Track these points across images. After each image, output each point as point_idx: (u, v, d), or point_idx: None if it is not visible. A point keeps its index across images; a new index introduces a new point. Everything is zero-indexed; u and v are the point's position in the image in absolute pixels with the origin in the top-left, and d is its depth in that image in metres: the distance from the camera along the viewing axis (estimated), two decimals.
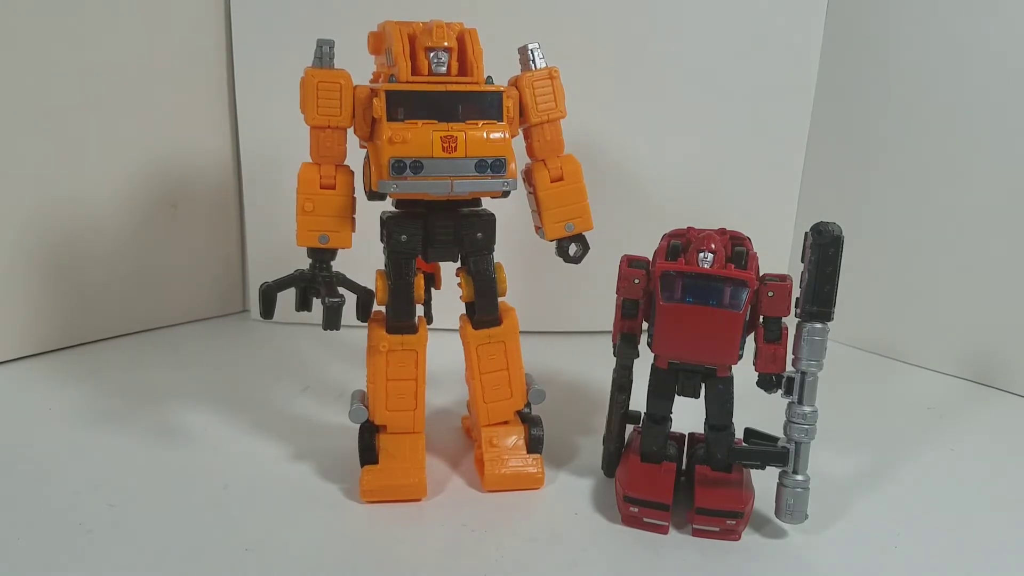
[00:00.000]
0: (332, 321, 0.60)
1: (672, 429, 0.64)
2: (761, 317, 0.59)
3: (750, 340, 0.61)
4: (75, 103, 0.89)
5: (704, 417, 0.62)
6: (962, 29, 0.89)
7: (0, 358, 0.89)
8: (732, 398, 0.61)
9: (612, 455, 0.66)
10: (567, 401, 0.83)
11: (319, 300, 0.62)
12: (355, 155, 0.64)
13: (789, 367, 0.59)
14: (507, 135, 0.60)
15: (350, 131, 0.62)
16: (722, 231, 0.61)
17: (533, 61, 0.63)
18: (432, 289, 0.72)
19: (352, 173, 0.62)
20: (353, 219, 0.63)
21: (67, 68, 0.88)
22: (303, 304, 0.63)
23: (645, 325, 0.62)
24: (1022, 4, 0.85)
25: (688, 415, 0.65)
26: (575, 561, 0.57)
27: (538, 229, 0.66)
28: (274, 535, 0.59)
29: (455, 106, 0.60)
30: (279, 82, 0.73)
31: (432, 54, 0.60)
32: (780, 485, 0.60)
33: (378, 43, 0.64)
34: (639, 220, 0.89)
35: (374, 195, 0.62)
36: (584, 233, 0.66)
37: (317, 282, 0.62)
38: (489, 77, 0.62)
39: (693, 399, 0.62)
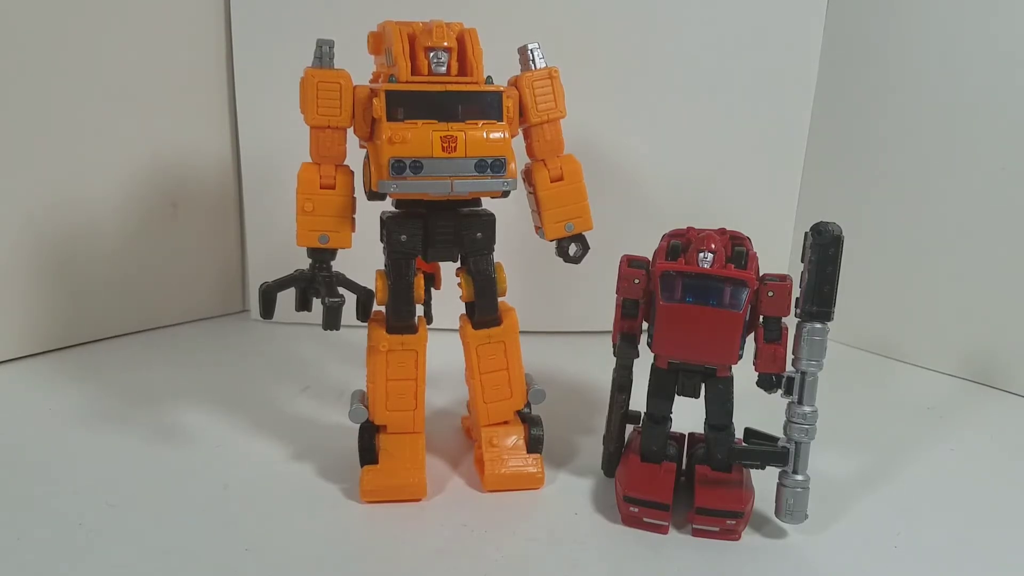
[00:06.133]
0: (332, 321, 0.60)
1: (672, 429, 0.64)
2: (761, 317, 0.59)
3: (750, 340, 0.61)
4: (75, 103, 0.89)
5: (704, 417, 0.62)
6: (962, 29, 0.89)
7: (0, 358, 0.89)
8: (732, 398, 0.61)
9: (612, 455, 0.66)
10: (567, 401, 0.83)
11: (319, 300, 0.62)
12: (355, 155, 0.64)
13: (789, 367, 0.59)
14: (507, 135, 0.60)
15: (350, 131, 0.62)
16: (722, 231, 0.61)
17: (533, 61, 0.63)
18: (432, 289, 0.72)
19: (352, 173, 0.62)
20: (353, 219, 0.63)
21: (67, 68, 0.88)
22: (303, 304, 0.63)
23: (645, 325, 0.62)
24: (1022, 4, 0.85)
25: (688, 415, 0.65)
26: (575, 561, 0.57)
27: (538, 229, 0.66)
28: (274, 535, 0.59)
29: (455, 106, 0.60)
30: (279, 82, 0.73)
31: (432, 54, 0.60)
32: (780, 485, 0.60)
33: (378, 43, 0.64)
34: (639, 220, 0.89)
35: (374, 195, 0.62)
36: (584, 233, 0.66)
37: (317, 282, 0.62)
38: (489, 77, 0.62)
39: (693, 399, 0.62)
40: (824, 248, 0.56)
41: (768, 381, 0.60)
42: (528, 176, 0.66)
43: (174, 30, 0.95)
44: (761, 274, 0.60)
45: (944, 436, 0.78)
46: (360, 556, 0.57)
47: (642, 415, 0.64)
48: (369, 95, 0.60)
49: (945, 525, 0.63)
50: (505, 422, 0.68)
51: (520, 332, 0.67)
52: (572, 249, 0.66)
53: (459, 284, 0.66)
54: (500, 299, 0.66)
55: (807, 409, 0.58)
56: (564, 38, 0.88)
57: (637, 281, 0.61)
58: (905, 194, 0.96)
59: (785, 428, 0.59)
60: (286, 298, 0.63)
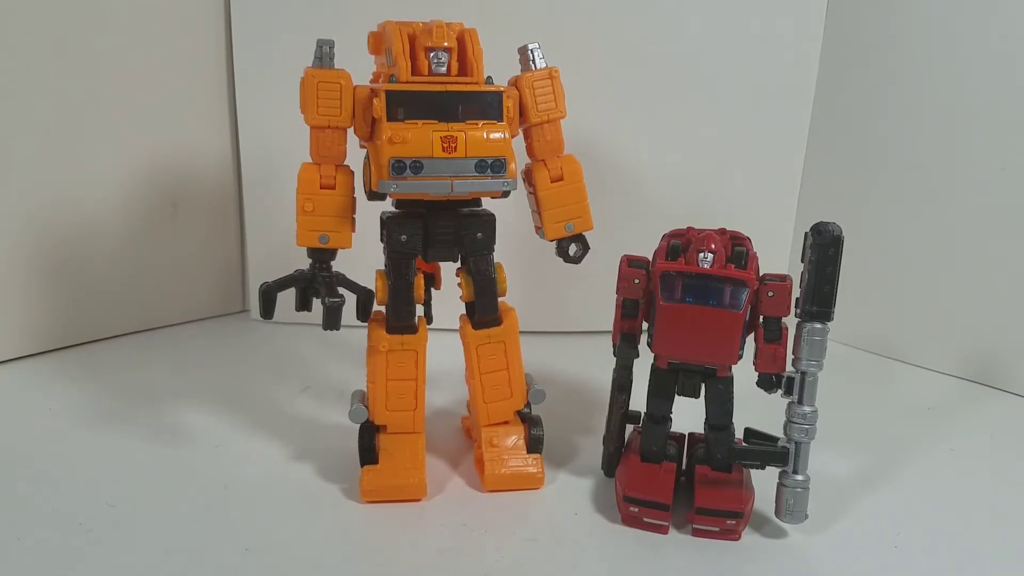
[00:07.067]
0: (332, 321, 0.60)
1: (672, 429, 0.64)
2: (761, 317, 0.59)
3: (750, 340, 0.61)
4: (75, 103, 0.89)
5: (704, 417, 0.62)
6: (962, 29, 0.89)
7: (0, 358, 0.89)
8: (732, 398, 0.61)
9: (612, 455, 0.66)
10: (567, 401, 0.83)
11: (319, 300, 0.62)
12: (355, 155, 0.64)
13: (789, 367, 0.59)
14: (507, 135, 0.60)
15: (350, 131, 0.62)
16: (722, 231, 0.61)
17: (533, 61, 0.64)
18: (432, 289, 0.72)
19: (352, 173, 0.62)
20: (353, 219, 0.63)
21: (67, 68, 0.88)
22: (303, 304, 0.63)
23: (645, 325, 0.62)
24: (1022, 4, 0.85)
25: (688, 415, 0.65)
26: (575, 561, 0.57)
27: (538, 229, 0.66)
28: (274, 535, 0.59)
29: (455, 106, 0.60)
30: (279, 82, 0.73)
31: (432, 54, 0.60)
32: (780, 485, 0.60)
33: (378, 43, 0.64)
34: (639, 220, 0.89)
35: (374, 195, 0.62)
36: (584, 233, 0.66)
37: (317, 282, 0.62)
38: (489, 77, 0.62)
39: (693, 399, 0.62)
40: (824, 248, 0.56)
41: (768, 381, 0.60)
42: (528, 176, 0.66)
43: (174, 30, 0.95)
44: (761, 274, 0.60)
45: (944, 436, 0.78)
46: (360, 556, 0.57)
47: (642, 415, 0.64)
48: (369, 95, 0.60)
49: (945, 525, 0.63)
50: (505, 422, 0.68)
51: (520, 332, 0.67)
52: (572, 249, 0.66)
53: (459, 284, 0.66)
54: (500, 299, 0.66)
55: (807, 409, 0.58)
56: (564, 38, 0.88)
57: (637, 281, 0.61)
58: (905, 194, 0.96)
59: (785, 428, 0.59)
60: (286, 298, 0.63)
